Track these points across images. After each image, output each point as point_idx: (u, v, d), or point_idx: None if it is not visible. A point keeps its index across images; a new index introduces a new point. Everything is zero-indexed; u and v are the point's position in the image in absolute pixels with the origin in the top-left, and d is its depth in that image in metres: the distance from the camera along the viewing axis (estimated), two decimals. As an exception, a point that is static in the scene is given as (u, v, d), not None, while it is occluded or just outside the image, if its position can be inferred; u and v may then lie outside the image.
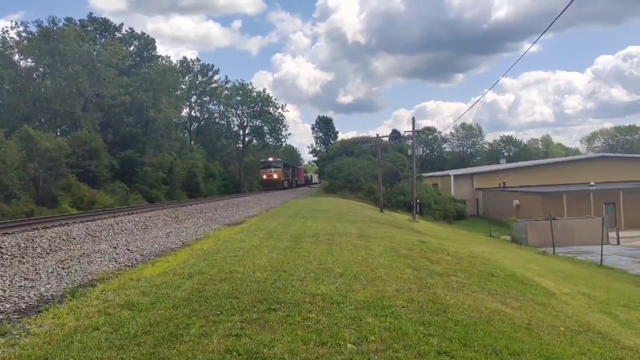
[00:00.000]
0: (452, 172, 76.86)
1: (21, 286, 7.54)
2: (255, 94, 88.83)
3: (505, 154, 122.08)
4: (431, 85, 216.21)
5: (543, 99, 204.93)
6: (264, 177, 64.40)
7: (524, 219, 40.99)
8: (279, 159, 67.91)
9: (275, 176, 63.24)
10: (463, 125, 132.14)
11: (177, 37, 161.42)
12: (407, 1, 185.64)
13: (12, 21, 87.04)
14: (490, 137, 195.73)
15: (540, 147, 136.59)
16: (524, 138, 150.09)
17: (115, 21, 67.24)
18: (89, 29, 55.62)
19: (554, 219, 34.55)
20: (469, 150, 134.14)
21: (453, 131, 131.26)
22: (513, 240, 37.49)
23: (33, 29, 47.66)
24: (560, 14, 22.82)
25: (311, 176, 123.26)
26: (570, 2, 12.11)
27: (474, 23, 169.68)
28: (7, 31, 45.08)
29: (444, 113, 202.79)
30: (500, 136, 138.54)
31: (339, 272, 8.49)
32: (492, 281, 10.21)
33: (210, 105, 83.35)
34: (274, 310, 6.05)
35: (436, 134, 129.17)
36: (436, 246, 14.35)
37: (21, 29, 46.19)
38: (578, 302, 11.94)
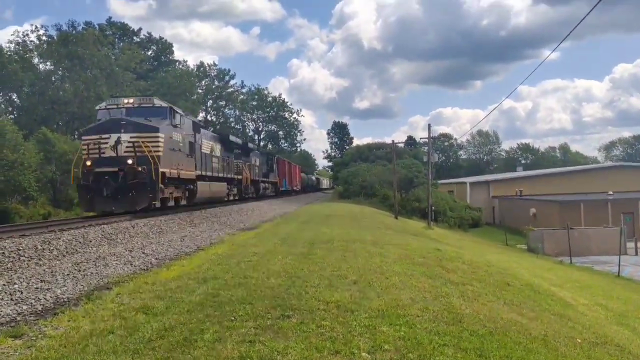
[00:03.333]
0: (468, 180, 76.39)
1: (37, 288, 7.61)
2: (270, 98, 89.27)
3: (522, 161, 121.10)
4: (448, 91, 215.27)
5: (561, 107, 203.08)
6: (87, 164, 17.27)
7: (540, 228, 40.60)
8: (164, 106, 19.47)
9: (130, 162, 16.84)
10: (480, 132, 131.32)
11: (196, 43, 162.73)
12: (424, 8, 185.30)
13: (32, 25, 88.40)
14: (507, 145, 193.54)
15: (558, 155, 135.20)
16: (541, 146, 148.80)
17: (134, 26, 67.92)
18: (107, 33, 56.36)
19: (571, 228, 34.16)
20: (485, 157, 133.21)
21: (469, 138, 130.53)
22: (529, 250, 37.14)
23: (53, 32, 48.43)
24: (580, 22, 22.64)
25: (317, 179, 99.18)
26: (590, 11, 12.02)
27: (492, 30, 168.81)
28: (27, 35, 45.82)
29: (460, 120, 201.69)
30: (518, 144, 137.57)
31: (353, 279, 8.46)
32: (508, 291, 10.11)
33: (226, 110, 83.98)
34: (288, 317, 6.04)
35: (452, 140, 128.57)
36: (451, 254, 14.24)
37: (41, 32, 46.96)
38: (595, 314, 11.78)
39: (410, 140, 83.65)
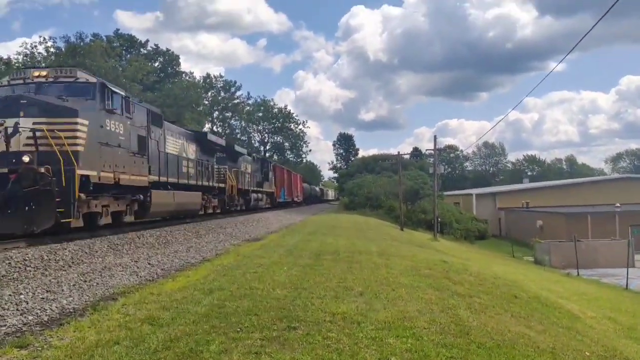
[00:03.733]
0: (474, 191, 76.18)
1: (43, 298, 7.61)
2: (276, 110, 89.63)
3: (529, 173, 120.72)
4: (454, 103, 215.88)
5: (567, 119, 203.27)
6: None
7: (547, 240, 40.39)
8: (92, 81, 14.02)
9: (26, 159, 11.75)
10: (486, 144, 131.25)
11: (203, 55, 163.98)
12: (430, 20, 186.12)
13: (40, 36, 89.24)
14: (513, 156, 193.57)
15: (565, 167, 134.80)
16: (547, 158, 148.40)
17: (142, 38, 68.50)
18: (115, 45, 56.79)
19: (578, 240, 33.98)
20: (491, 169, 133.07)
21: (475, 149, 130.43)
22: (536, 262, 36.97)
23: (61, 44, 48.85)
24: (586, 34, 22.66)
25: (321, 190, 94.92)
26: (596, 23, 12.02)
27: (498, 42, 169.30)
28: (35, 47, 46.25)
29: (466, 131, 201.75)
30: (524, 155, 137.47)
31: (359, 290, 8.42)
32: (515, 303, 10.02)
33: (232, 121, 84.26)
34: (294, 328, 6.01)
35: (458, 152, 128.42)
36: (458, 266, 14.17)
37: (49, 44, 47.38)
38: (603, 327, 11.66)
39: (416, 152, 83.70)
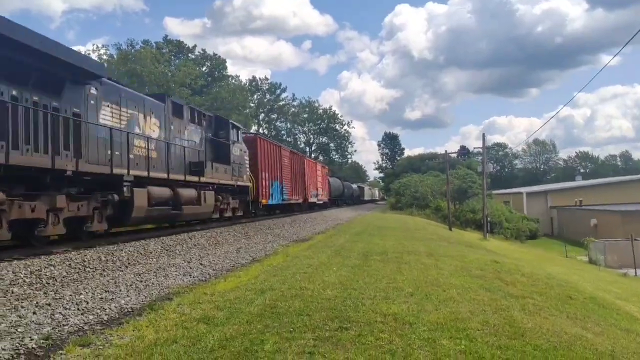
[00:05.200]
0: (524, 190, 74.48)
1: (102, 298, 7.87)
2: (321, 111, 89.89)
3: (581, 170, 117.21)
4: (502, 100, 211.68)
5: (621, 113, 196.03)
6: None
7: (602, 239, 39.11)
8: None
9: None
10: (536, 141, 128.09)
11: (249, 58, 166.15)
12: (476, 17, 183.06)
13: (94, 44, 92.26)
14: (564, 153, 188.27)
15: (619, 163, 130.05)
16: (601, 154, 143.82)
17: (189, 43, 69.92)
18: (164, 50, 58.15)
19: (635, 239, 32.74)
20: (542, 166, 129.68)
21: (525, 147, 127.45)
22: (590, 261, 35.87)
23: (113, 51, 50.38)
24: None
25: (359, 188, 79.97)
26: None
27: (547, 37, 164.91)
28: (89, 54, 47.85)
29: (515, 128, 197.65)
30: (576, 152, 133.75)
31: (409, 291, 8.38)
32: (570, 304, 9.76)
33: (278, 123, 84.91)
34: (346, 329, 6.03)
35: (507, 150, 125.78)
36: (510, 267, 13.89)
37: (102, 51, 48.94)
38: (666, 330, 11.20)
39: (463, 150, 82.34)
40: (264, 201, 26.13)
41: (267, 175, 26.85)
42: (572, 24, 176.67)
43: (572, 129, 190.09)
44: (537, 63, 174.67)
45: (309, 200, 38.78)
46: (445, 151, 51.24)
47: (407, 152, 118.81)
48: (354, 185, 75.81)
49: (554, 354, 5.67)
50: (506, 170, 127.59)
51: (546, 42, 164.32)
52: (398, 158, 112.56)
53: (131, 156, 13.83)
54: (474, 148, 58.17)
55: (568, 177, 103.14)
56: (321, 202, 44.58)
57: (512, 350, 5.57)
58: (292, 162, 33.52)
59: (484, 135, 41.92)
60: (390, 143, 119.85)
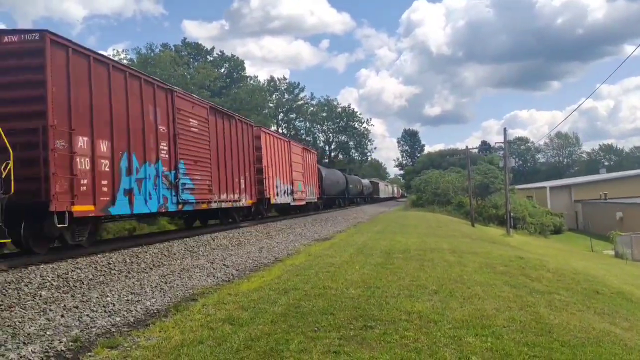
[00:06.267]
0: (547, 184, 73.54)
1: (128, 300, 7.97)
2: (340, 109, 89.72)
3: (605, 163, 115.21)
4: (523, 94, 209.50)
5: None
6: None
7: (628, 232, 38.42)
8: None
9: None
10: (558, 134, 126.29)
11: (268, 59, 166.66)
12: (495, 10, 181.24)
13: (114, 49, 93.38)
14: (588, 146, 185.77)
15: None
16: (625, 146, 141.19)
17: (208, 45, 70.37)
18: (182, 53, 58.64)
19: (663, 232, 32.11)
20: (565, 160, 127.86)
21: (547, 141, 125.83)
22: (617, 255, 35.25)
23: (133, 56, 50.94)
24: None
25: (372, 184, 68.46)
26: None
27: (567, 28, 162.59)
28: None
29: (537, 122, 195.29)
30: (599, 145, 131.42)
31: (433, 289, 8.33)
32: (597, 299, 9.62)
33: (297, 122, 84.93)
34: (371, 327, 6.02)
35: (529, 144, 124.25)
36: (535, 262, 13.73)
37: (122, 56, 49.52)
38: (697, 324, 10.97)
39: (485, 145, 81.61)
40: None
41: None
42: (593, 14, 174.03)
43: (595, 121, 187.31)
44: (558, 55, 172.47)
45: (274, 200, 24.97)
46: (466, 147, 50.76)
47: (427, 149, 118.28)
48: (365, 181, 64.54)
49: (583, 350, 5.60)
50: (529, 164, 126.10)
51: (567, 33, 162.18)
52: (418, 155, 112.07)
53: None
54: (496, 143, 57.59)
55: (592, 171, 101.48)
56: (302, 202, 31.22)
57: (540, 347, 5.50)
58: (217, 130, 17.90)
59: (505, 129, 41.59)
60: (410, 140, 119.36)
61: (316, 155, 39.75)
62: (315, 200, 35.57)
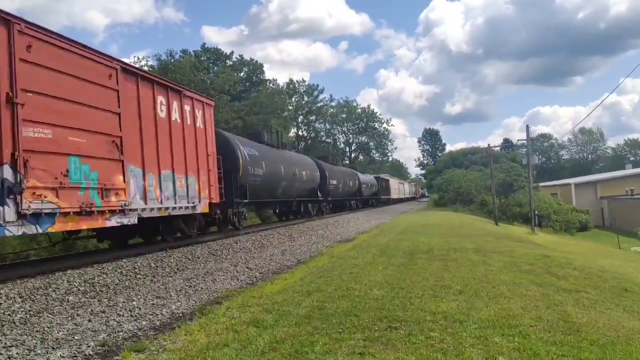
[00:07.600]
0: (572, 181, 72.46)
1: (154, 304, 8.05)
2: (360, 110, 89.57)
3: (631, 158, 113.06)
4: (546, 90, 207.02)
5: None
6: None
7: (657, 228, 37.68)
8: None
9: None
10: (582, 130, 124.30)
11: (287, 62, 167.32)
12: (514, 7, 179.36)
13: (135, 57, 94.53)
14: (613, 142, 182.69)
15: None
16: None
17: (227, 50, 70.83)
18: (202, 58, 59.07)
19: (693, 227, 31.40)
20: (589, 156, 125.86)
21: (571, 137, 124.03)
22: (646, 252, 34.55)
23: (154, 62, 51.53)
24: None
25: (380, 180, 55.07)
26: None
27: (589, 23, 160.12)
28: (133, 66, 49.12)
29: (560, 118, 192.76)
30: (625, 140, 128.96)
31: (458, 289, 8.27)
32: (626, 297, 9.42)
33: (317, 124, 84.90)
34: (395, 328, 5.99)
35: (552, 140, 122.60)
36: (561, 260, 13.53)
37: (143, 63, 50.11)
38: None
39: (507, 143, 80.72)
40: None
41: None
42: (615, 7, 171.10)
43: (620, 116, 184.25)
44: (581, 50, 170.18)
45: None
46: (488, 145, 50.28)
47: (449, 148, 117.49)
48: (368, 177, 50.81)
49: (612, 349, 5.49)
50: (552, 161, 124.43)
51: (589, 28, 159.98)
52: (439, 154, 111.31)
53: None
54: (518, 140, 56.62)
55: (617, 166, 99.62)
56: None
57: (568, 346, 5.42)
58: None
59: (527, 126, 41.07)
60: (431, 139, 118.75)
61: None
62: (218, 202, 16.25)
